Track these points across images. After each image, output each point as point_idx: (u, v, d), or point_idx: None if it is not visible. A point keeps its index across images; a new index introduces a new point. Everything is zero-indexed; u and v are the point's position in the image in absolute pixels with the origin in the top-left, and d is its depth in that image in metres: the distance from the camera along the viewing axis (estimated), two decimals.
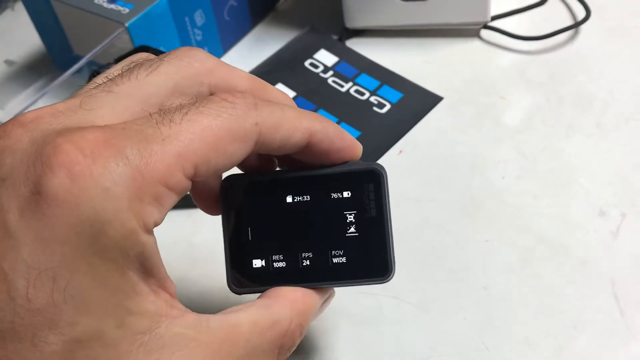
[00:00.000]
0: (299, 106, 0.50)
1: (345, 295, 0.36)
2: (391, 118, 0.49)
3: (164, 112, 0.21)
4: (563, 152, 0.45)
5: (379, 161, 0.47)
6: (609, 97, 0.49)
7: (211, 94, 0.24)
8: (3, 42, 0.58)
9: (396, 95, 0.51)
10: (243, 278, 0.26)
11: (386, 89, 0.52)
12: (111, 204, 0.19)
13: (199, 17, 0.52)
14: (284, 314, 0.24)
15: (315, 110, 0.50)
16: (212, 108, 0.22)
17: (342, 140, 0.25)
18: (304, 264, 0.25)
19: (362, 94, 0.52)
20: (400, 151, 0.47)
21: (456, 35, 0.56)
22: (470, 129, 0.48)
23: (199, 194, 0.27)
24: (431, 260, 0.40)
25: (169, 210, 0.21)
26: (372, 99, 0.51)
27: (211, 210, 0.27)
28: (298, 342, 0.25)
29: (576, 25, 0.53)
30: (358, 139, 0.48)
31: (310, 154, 0.25)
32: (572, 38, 0.54)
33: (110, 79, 0.23)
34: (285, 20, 0.60)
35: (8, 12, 0.60)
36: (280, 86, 0.53)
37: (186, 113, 0.21)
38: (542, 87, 0.50)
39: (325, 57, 0.55)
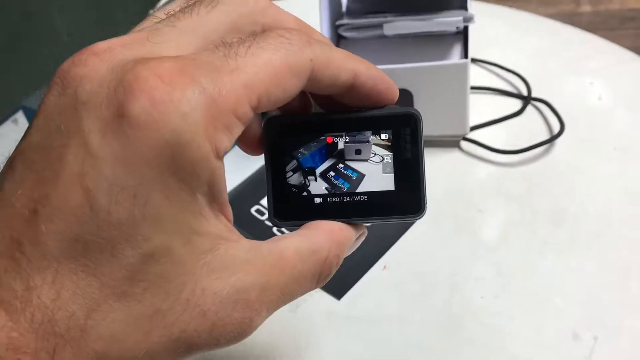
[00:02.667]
0: None
1: None
2: (375, 232, 0.52)
3: (228, 46, 0.23)
4: (538, 270, 0.48)
5: (365, 277, 0.49)
6: (580, 211, 0.52)
7: (264, 31, 0.25)
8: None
9: None
10: (285, 212, 0.27)
11: None
12: (189, 129, 0.21)
13: None
14: (323, 244, 0.26)
15: None
16: (272, 43, 0.23)
17: (383, 82, 0.27)
18: (343, 199, 0.27)
19: None
20: (385, 266, 0.49)
21: (437, 145, 0.59)
22: (450, 243, 0.50)
23: (243, 133, 0.27)
24: None
25: (235, 140, 0.23)
26: None
27: (253, 150, 0.28)
28: (335, 271, 0.27)
29: (551, 139, 0.57)
30: None
31: (352, 95, 0.26)
32: (547, 151, 0.57)
33: (172, 15, 0.24)
34: None
35: (10, 125, 0.63)
36: None
37: (249, 47, 0.23)
38: (518, 201, 0.53)
39: None
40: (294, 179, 0.27)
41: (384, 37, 0.59)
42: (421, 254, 0.50)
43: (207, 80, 0.21)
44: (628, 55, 0.67)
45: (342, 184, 0.27)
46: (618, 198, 0.53)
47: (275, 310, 0.25)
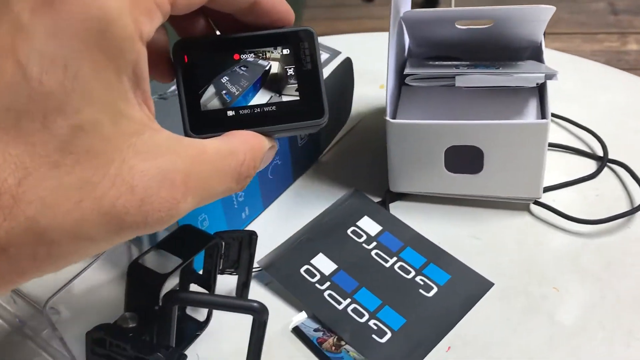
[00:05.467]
0: (340, 284, 0.49)
1: None
2: (438, 304, 0.47)
3: None
4: None
5: (427, 358, 0.44)
6: None
7: None
8: None
9: (444, 277, 0.49)
10: (199, 125, 0.29)
11: (433, 268, 0.50)
12: (116, 6, 0.22)
13: None
14: (240, 148, 0.27)
15: (357, 289, 0.48)
16: None
17: (281, 4, 0.29)
18: (253, 111, 0.29)
19: (408, 271, 0.49)
20: (449, 347, 0.44)
21: (505, 207, 0.54)
22: (524, 325, 0.45)
23: (154, 59, 0.28)
24: None
25: (154, 30, 0.24)
26: (418, 278, 0.49)
27: (164, 77, 0.30)
28: (253, 174, 0.28)
29: (633, 211, 0.52)
30: (402, 327, 0.45)
31: (253, 14, 0.29)
32: (627, 222, 0.52)
33: None
34: (326, 174, 0.59)
35: None
36: (321, 256, 0.51)
37: None
38: (597, 280, 0.48)
39: (369, 226, 0.53)
40: (210, 98, 0.29)
41: (452, 86, 0.54)
42: (491, 336, 0.45)
43: None
44: None
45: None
46: None
47: (200, 201, 0.25)
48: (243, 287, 0.46)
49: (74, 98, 0.22)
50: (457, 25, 0.54)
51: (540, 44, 0.55)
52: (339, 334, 0.45)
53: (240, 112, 0.29)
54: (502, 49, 0.56)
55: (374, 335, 0.45)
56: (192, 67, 0.29)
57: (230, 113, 0.29)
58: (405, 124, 0.51)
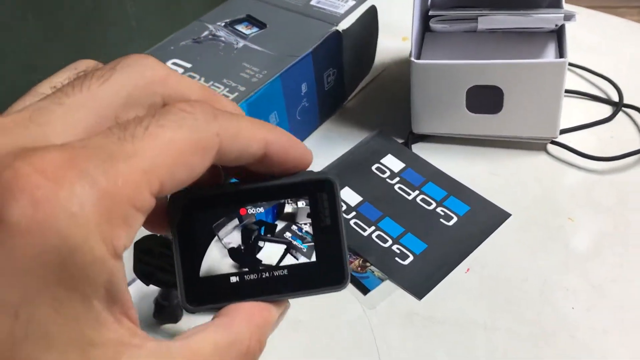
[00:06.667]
0: (365, 214, 0.52)
1: None
2: (458, 232, 0.50)
3: (123, 127, 0.20)
4: (633, 285, 0.45)
5: (447, 279, 0.47)
6: None
7: (164, 103, 0.23)
8: None
9: (463, 208, 0.52)
10: (198, 295, 0.25)
11: (453, 201, 0.52)
12: (79, 230, 0.18)
13: (273, 119, 0.54)
14: (243, 332, 0.24)
15: (381, 219, 0.51)
16: (172, 120, 0.21)
17: (295, 149, 0.25)
18: (261, 276, 0.25)
19: (429, 203, 0.52)
20: (468, 269, 0.47)
21: (522, 147, 0.56)
22: (539, 251, 0.48)
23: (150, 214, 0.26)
24: None
25: (136, 233, 0.20)
26: (439, 209, 0.52)
27: (157, 228, 0.26)
28: (259, 356, 0.24)
29: None
30: (424, 252, 0.48)
31: (264, 164, 0.25)
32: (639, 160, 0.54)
33: (59, 90, 0.22)
34: (351, 118, 0.61)
35: None
36: (347, 190, 0.54)
37: (147, 127, 0.20)
38: (611, 211, 0.50)
39: (392, 163, 0.56)
40: (211, 261, 0.25)
41: (473, 32, 0.56)
42: (508, 260, 0.48)
43: (99, 171, 0.19)
44: None
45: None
46: None
47: None
48: None
49: (27, 347, 0.18)
50: None
51: None
52: (364, 257, 0.48)
53: (246, 277, 0.25)
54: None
55: (397, 258, 0.48)
56: (191, 225, 0.25)
57: (233, 279, 0.25)
58: (429, 64, 0.53)
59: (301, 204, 0.26)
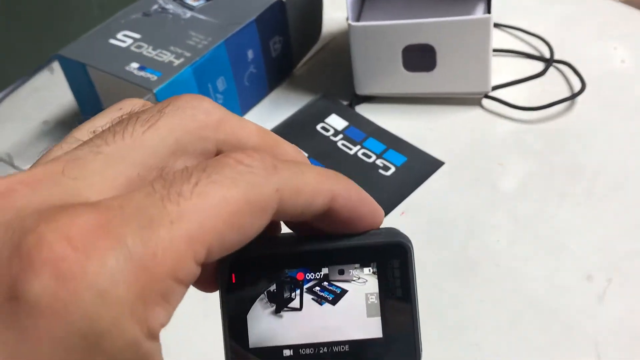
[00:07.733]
0: None
1: None
2: (395, 180, 0.53)
3: (169, 183, 0.17)
4: (554, 219, 0.49)
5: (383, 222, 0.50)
6: (599, 167, 0.52)
7: (218, 150, 0.21)
8: (41, 100, 0.63)
9: (400, 159, 0.55)
10: None
11: (391, 153, 0.56)
12: (109, 311, 0.16)
13: (220, 83, 0.57)
14: None
15: None
16: (227, 175, 0.18)
17: (365, 206, 0.22)
18: (318, 351, 0.22)
19: (369, 156, 0.55)
20: (403, 212, 0.51)
21: (459, 103, 0.60)
22: (469, 194, 0.51)
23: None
24: (427, 318, 0.43)
25: (176, 308, 0.18)
26: (378, 161, 0.55)
27: (206, 287, 0.23)
28: None
29: (572, 97, 0.57)
30: None
31: (328, 219, 0.21)
32: (567, 109, 0.58)
33: (98, 136, 0.19)
34: (300, 85, 0.64)
35: (47, 74, 0.65)
36: None
37: (196, 184, 0.17)
38: (537, 156, 0.54)
39: (336, 122, 0.59)
40: (262, 332, 0.22)
41: None
42: (440, 202, 0.51)
43: (135, 241, 0.16)
44: None
45: (327, 295, 0.23)
46: (636, 155, 0.53)
47: None
48: None
49: None
50: None
51: None
52: None
53: (301, 351, 0.22)
54: None
55: None
56: (242, 291, 0.23)
57: (287, 353, 0.22)
58: (366, 25, 0.56)
59: (367, 270, 0.22)
